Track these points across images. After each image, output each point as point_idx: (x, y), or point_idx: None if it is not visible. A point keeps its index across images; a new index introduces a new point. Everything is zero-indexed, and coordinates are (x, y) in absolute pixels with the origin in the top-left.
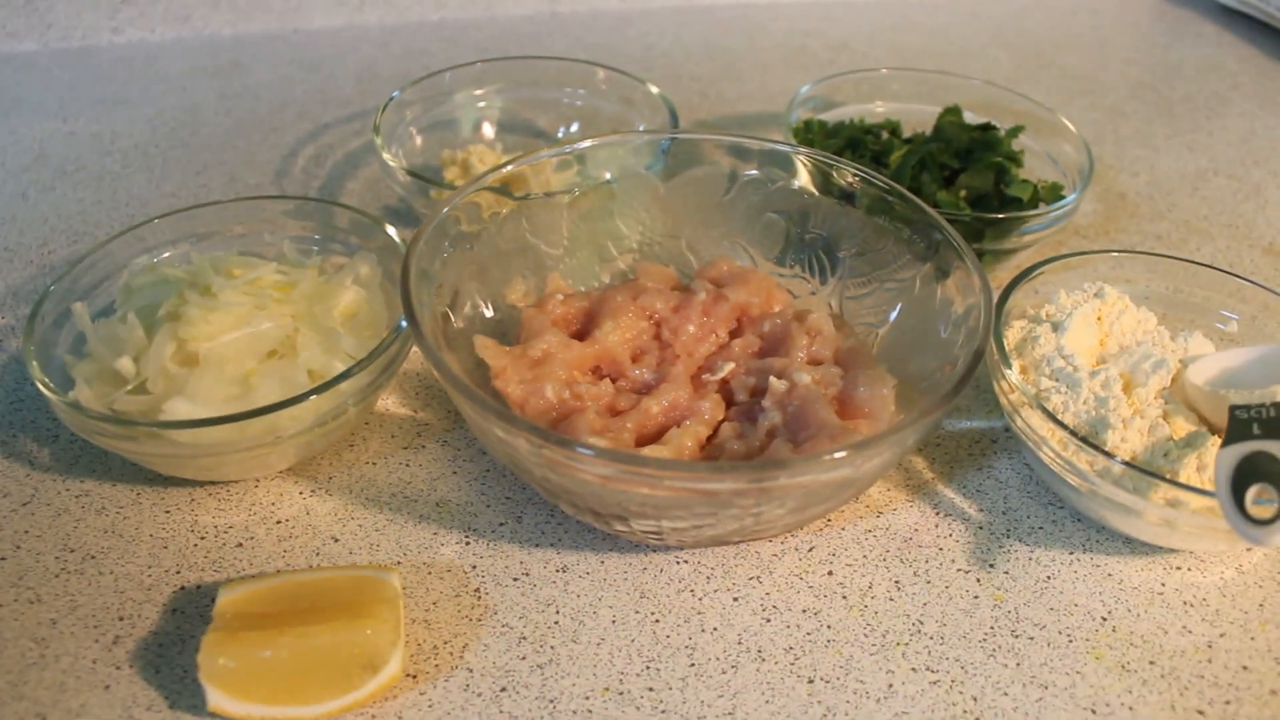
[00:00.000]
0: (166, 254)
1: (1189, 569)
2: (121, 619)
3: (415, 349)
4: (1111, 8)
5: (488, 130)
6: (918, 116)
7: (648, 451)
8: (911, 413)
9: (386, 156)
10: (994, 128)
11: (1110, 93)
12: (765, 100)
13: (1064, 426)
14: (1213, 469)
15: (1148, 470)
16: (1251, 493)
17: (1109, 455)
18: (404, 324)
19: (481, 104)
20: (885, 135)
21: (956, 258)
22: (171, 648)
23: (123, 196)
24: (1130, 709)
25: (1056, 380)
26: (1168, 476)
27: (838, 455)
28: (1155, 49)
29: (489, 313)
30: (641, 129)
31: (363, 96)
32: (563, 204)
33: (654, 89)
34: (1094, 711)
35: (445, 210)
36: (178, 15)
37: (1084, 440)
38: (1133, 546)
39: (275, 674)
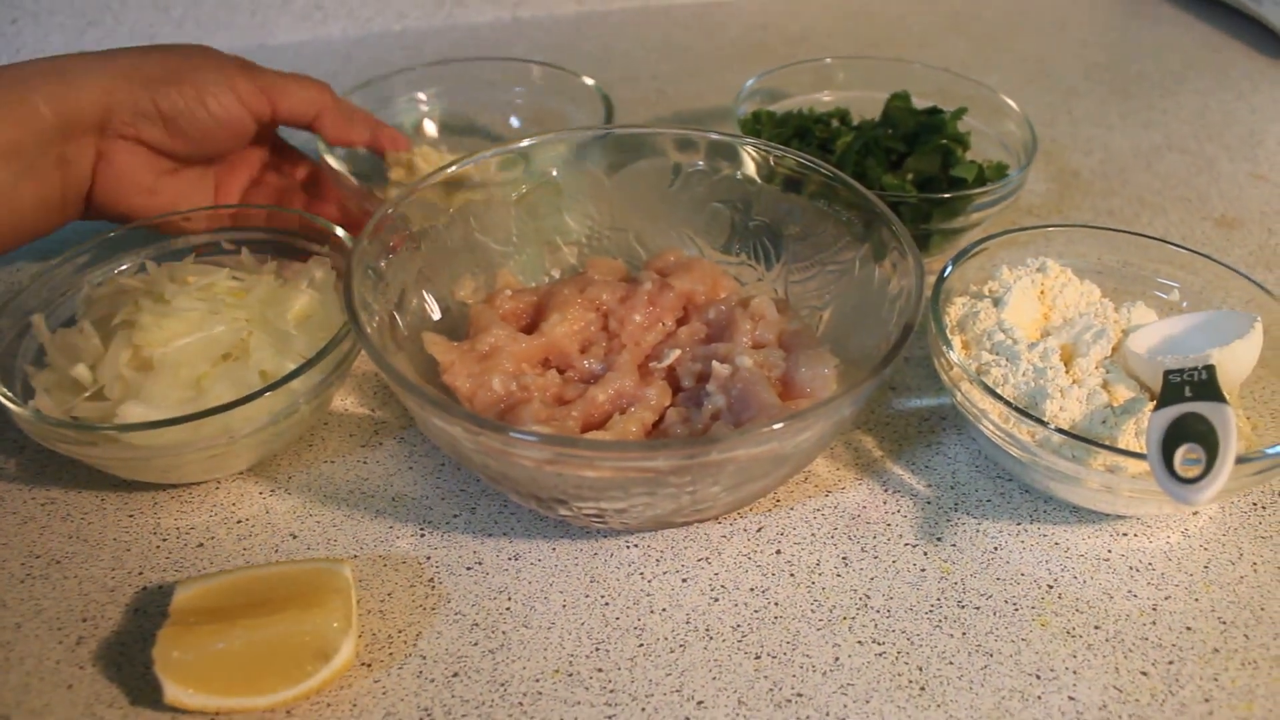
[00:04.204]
0: (125, 265)
1: (1135, 535)
2: (85, 620)
3: None
4: None
5: (430, 129)
6: (869, 104)
7: (587, 436)
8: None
9: (331, 161)
10: (940, 111)
11: (1066, 74)
12: (723, 95)
13: (1001, 399)
14: None
15: (1085, 438)
16: (1180, 453)
17: (1045, 425)
18: None
19: (424, 106)
20: (834, 123)
21: (891, 237)
22: (133, 646)
23: None
24: (1074, 673)
25: (997, 354)
26: (1105, 443)
27: (768, 429)
28: (1112, 30)
29: (436, 314)
30: (585, 125)
31: None
32: (510, 201)
33: (589, 81)
34: (1038, 677)
35: (390, 209)
36: (143, 35)
37: (1021, 411)
38: (1080, 515)
39: (229, 665)
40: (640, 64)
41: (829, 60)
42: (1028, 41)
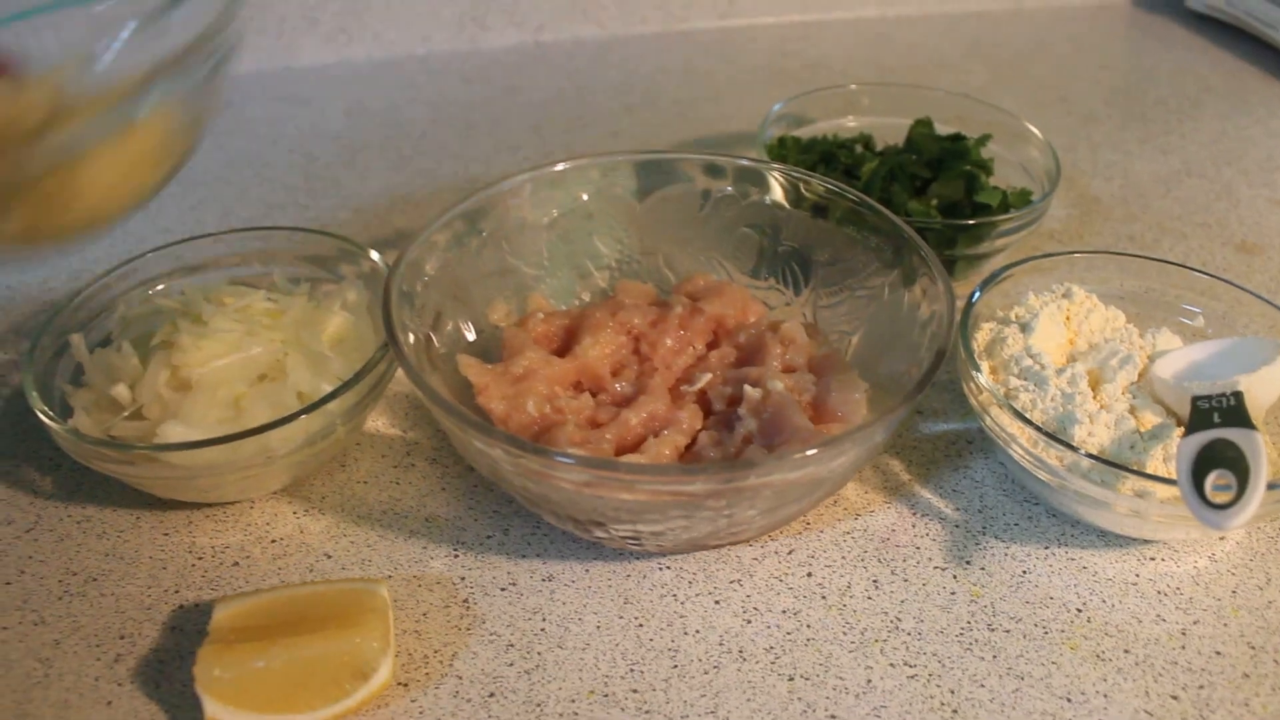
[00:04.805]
0: (160, 286)
1: (1163, 559)
2: (122, 638)
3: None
4: (1086, 17)
5: None
6: (892, 129)
7: (626, 460)
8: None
9: None
10: (963, 137)
11: (1084, 100)
12: (744, 120)
13: (1031, 424)
14: None
15: (1114, 463)
16: (1210, 479)
17: (1075, 450)
18: None
19: None
20: (859, 149)
21: (921, 263)
22: (171, 664)
23: (119, 234)
24: (1105, 696)
25: (1025, 379)
26: (1134, 468)
27: (805, 454)
28: (1129, 55)
29: (471, 335)
30: (616, 150)
31: (352, 130)
32: (542, 225)
33: None
34: (1069, 700)
35: (425, 235)
36: None
37: (1051, 436)
38: (1107, 539)
39: (268, 683)
40: (662, 88)
41: (853, 86)
42: (1045, 68)
